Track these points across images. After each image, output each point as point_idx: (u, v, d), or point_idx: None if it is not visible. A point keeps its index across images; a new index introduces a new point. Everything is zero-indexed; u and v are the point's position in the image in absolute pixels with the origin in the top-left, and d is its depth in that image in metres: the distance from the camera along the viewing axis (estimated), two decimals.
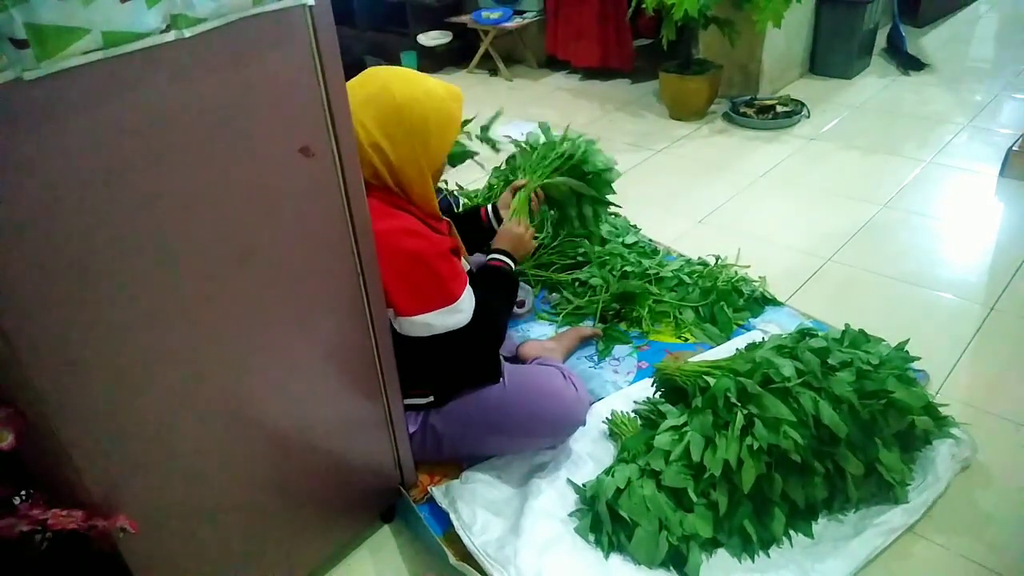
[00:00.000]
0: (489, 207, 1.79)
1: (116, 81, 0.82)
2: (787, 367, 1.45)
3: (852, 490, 1.45)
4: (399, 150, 1.29)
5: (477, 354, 1.44)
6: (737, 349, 1.72)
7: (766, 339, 1.71)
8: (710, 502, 1.41)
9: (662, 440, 1.48)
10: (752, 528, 1.41)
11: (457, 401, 1.51)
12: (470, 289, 1.38)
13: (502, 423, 1.51)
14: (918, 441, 1.55)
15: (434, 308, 1.31)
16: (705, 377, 1.55)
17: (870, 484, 1.48)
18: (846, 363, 1.49)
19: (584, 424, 1.59)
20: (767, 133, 3.44)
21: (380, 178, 1.32)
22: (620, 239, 2.36)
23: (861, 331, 1.64)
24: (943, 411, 1.57)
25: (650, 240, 2.46)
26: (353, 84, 1.28)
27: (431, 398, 1.51)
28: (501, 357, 1.58)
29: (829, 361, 1.49)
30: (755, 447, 1.37)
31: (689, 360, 1.77)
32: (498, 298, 1.50)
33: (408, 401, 1.48)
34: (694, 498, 1.41)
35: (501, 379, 1.52)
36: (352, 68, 1.20)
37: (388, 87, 1.29)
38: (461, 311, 1.34)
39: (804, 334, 1.63)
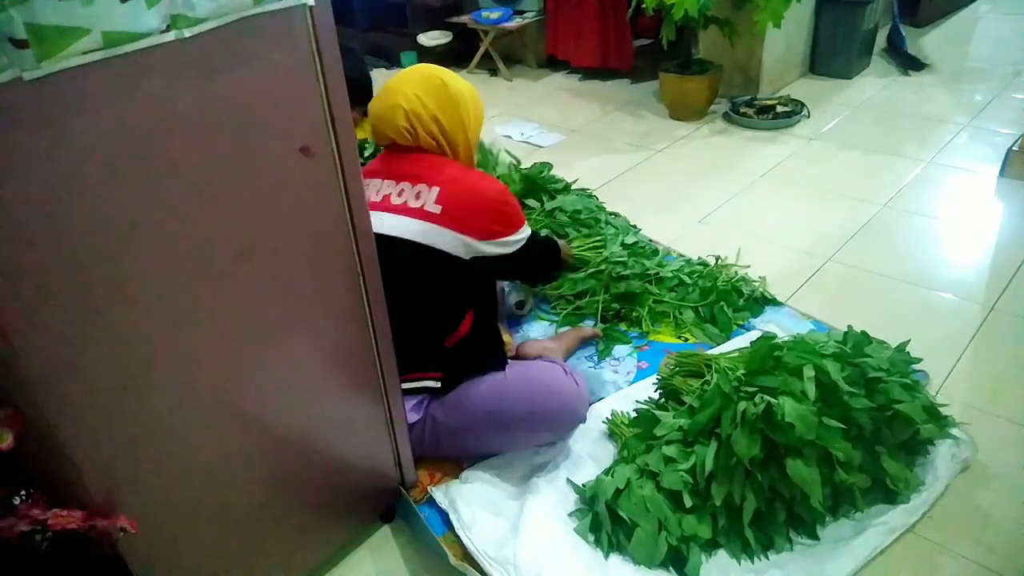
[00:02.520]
0: None
1: (116, 81, 0.82)
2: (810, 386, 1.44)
3: (860, 502, 1.46)
4: (450, 120, 1.56)
5: (542, 261, 1.77)
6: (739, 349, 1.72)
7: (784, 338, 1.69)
8: (708, 506, 1.41)
9: (670, 450, 1.48)
10: (752, 535, 1.41)
11: (459, 392, 1.53)
12: None
13: (503, 416, 1.52)
14: (921, 447, 1.55)
15: (520, 226, 1.59)
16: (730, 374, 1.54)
17: (875, 492, 1.49)
18: (863, 373, 1.49)
19: (584, 420, 1.59)
20: (767, 133, 3.43)
21: (439, 146, 1.57)
22: (620, 239, 2.35)
23: (863, 333, 1.64)
24: (943, 411, 1.57)
25: (650, 240, 2.46)
26: (400, 77, 1.58)
27: (439, 383, 1.52)
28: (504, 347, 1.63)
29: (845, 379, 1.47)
30: (759, 478, 1.39)
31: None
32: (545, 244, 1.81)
33: (416, 384, 1.50)
34: (691, 501, 1.41)
35: (503, 372, 1.54)
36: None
37: (432, 72, 1.58)
38: (527, 229, 1.62)
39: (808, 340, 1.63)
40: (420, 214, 1.47)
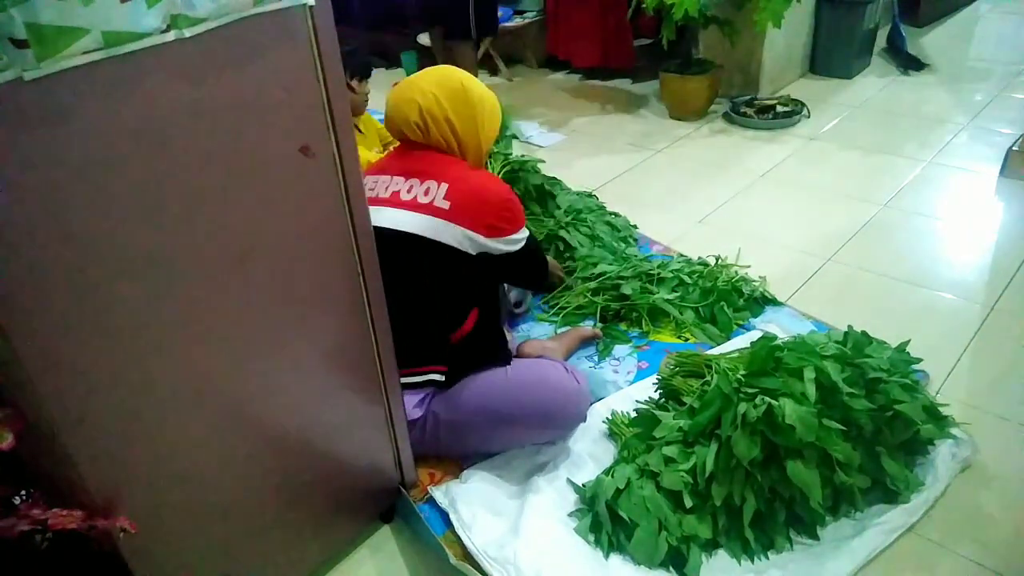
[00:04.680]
0: None
1: (116, 81, 0.82)
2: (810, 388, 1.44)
3: (860, 502, 1.46)
4: (463, 124, 1.57)
5: (538, 265, 1.79)
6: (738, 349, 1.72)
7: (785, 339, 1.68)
8: (709, 507, 1.41)
9: (670, 450, 1.48)
10: (752, 535, 1.41)
11: (461, 389, 1.53)
12: None
13: (504, 414, 1.53)
14: (921, 447, 1.55)
15: (522, 225, 1.62)
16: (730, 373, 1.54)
17: (875, 492, 1.49)
18: (863, 373, 1.49)
19: (585, 419, 1.59)
20: (767, 133, 3.43)
21: (449, 147, 1.58)
22: (615, 238, 2.33)
23: (864, 333, 1.64)
24: (943, 411, 1.57)
25: (650, 238, 2.46)
26: (422, 73, 1.60)
27: (443, 376, 1.53)
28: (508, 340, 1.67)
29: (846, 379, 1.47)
30: (759, 479, 1.39)
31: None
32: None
33: (420, 378, 1.52)
34: (691, 502, 1.41)
35: (505, 369, 1.55)
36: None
37: (453, 75, 1.59)
38: (526, 230, 1.65)
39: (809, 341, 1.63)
40: (430, 209, 1.49)
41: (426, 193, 1.51)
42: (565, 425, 1.61)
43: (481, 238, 1.52)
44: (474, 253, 1.53)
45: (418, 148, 1.58)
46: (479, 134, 1.59)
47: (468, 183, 1.52)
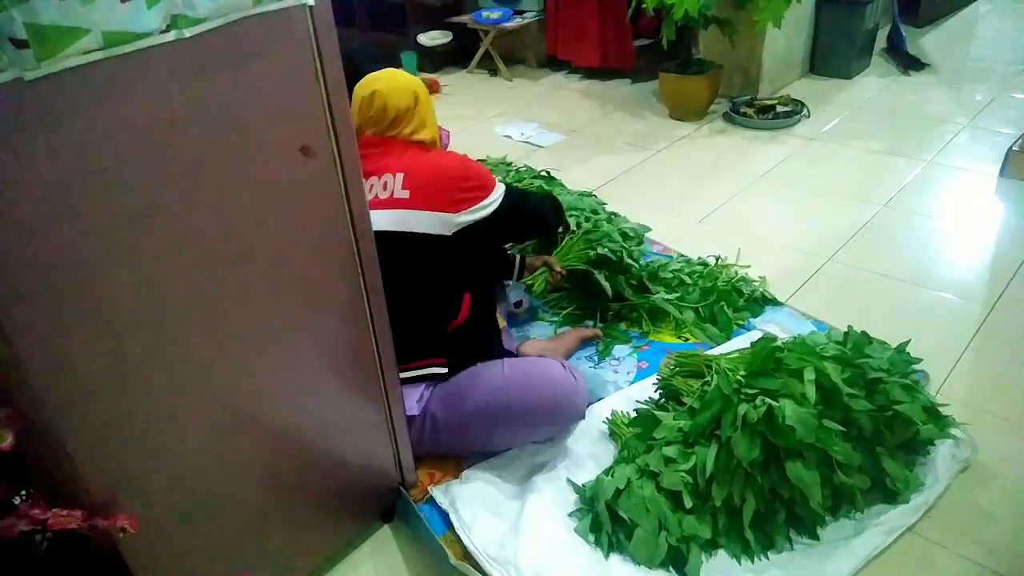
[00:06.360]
0: (518, 256, 2.00)
1: (116, 81, 0.82)
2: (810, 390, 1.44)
3: (860, 502, 1.46)
4: (422, 104, 1.64)
5: (531, 213, 1.75)
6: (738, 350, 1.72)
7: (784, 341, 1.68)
8: (708, 507, 1.41)
9: (670, 451, 1.48)
10: (752, 535, 1.41)
11: (457, 388, 1.54)
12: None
13: (502, 411, 1.52)
14: (921, 447, 1.55)
15: (490, 188, 1.60)
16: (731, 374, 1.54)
17: (875, 492, 1.49)
18: (863, 374, 1.49)
19: (584, 416, 1.60)
20: (767, 133, 3.43)
21: (421, 124, 1.63)
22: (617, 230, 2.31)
23: (864, 333, 1.64)
24: (943, 411, 1.57)
25: (650, 238, 2.46)
26: (371, 77, 1.64)
27: (445, 368, 1.54)
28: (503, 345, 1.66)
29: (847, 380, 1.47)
30: (760, 480, 1.39)
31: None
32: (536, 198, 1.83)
33: (422, 372, 1.53)
34: (691, 502, 1.41)
35: (502, 367, 1.55)
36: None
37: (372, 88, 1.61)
38: (500, 186, 1.64)
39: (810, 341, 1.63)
40: (391, 203, 1.50)
41: (385, 188, 1.53)
42: (563, 420, 1.61)
43: (450, 216, 1.52)
44: (450, 234, 1.53)
45: (371, 146, 1.59)
46: (425, 121, 1.65)
47: (421, 165, 1.55)
